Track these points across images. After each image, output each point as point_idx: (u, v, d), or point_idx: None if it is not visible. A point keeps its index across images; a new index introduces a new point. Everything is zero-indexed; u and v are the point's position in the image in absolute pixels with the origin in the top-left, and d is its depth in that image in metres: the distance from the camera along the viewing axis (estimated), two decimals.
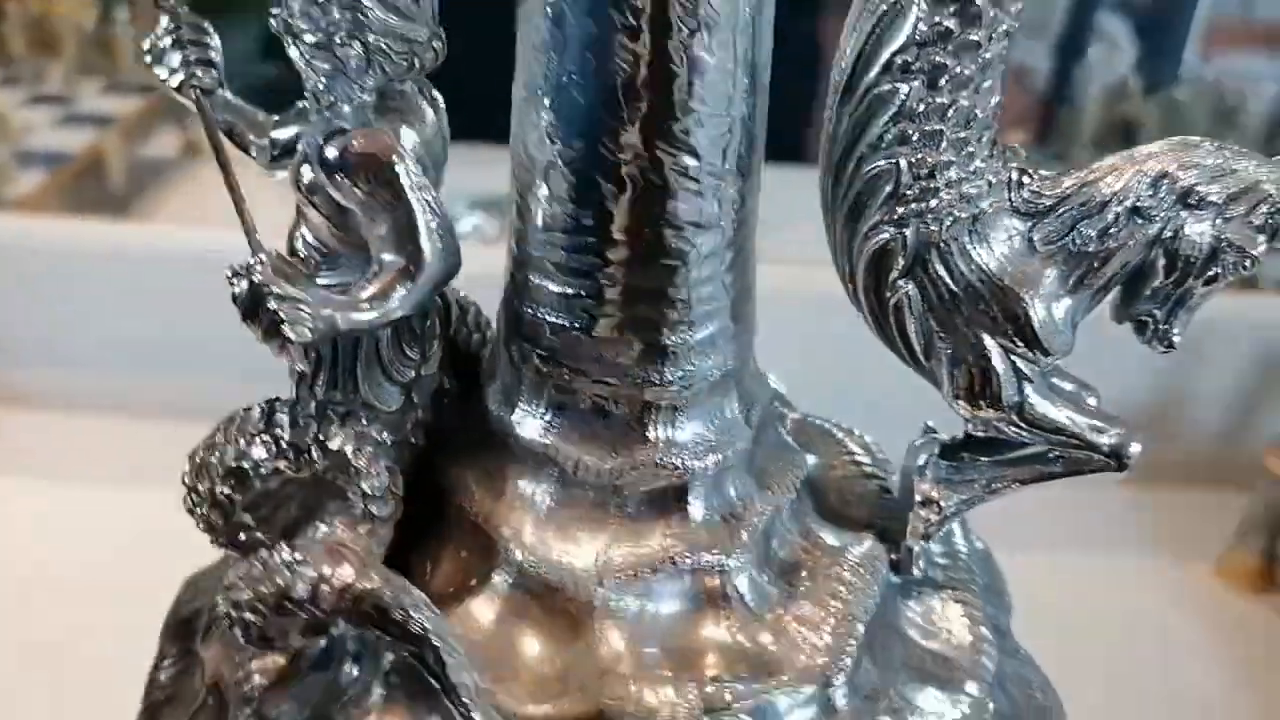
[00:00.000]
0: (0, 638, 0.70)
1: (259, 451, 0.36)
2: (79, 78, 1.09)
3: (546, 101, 0.34)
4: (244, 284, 0.34)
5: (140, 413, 0.88)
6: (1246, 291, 0.94)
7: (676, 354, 0.36)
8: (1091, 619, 0.80)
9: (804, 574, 0.39)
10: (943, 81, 0.32)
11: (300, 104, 0.38)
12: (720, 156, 0.34)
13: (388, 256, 0.35)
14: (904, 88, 0.32)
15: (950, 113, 0.32)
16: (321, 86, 0.35)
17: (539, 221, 0.36)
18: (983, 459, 0.39)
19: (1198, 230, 0.33)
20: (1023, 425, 0.36)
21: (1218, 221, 0.33)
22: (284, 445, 0.36)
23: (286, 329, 0.33)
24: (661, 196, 0.34)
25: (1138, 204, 0.33)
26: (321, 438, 0.36)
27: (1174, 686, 0.75)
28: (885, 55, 0.32)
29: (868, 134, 0.33)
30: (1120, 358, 0.88)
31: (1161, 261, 0.34)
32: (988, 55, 0.32)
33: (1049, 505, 0.89)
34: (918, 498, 0.39)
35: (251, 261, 0.34)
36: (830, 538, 0.41)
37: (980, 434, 0.38)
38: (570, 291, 0.36)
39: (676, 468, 0.37)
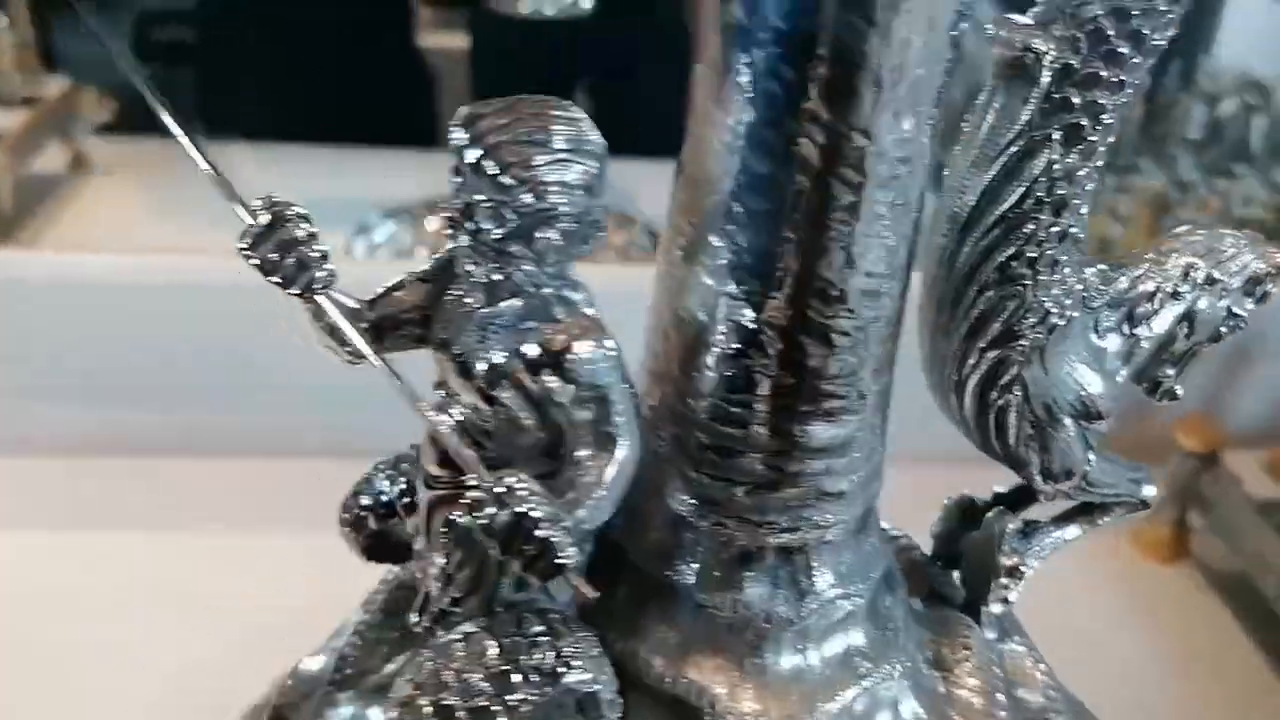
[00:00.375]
0: None
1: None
2: None
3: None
4: (505, 515, 0.32)
5: (38, 449, 0.85)
6: None
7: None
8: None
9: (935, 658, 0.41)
10: (1065, 212, 0.36)
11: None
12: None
13: (585, 451, 0.34)
14: (1035, 219, 0.36)
15: (1064, 236, 0.37)
16: (496, 277, 0.34)
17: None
18: (1044, 521, 0.44)
19: (1215, 304, 0.40)
20: (1088, 488, 0.42)
21: (1226, 295, 0.40)
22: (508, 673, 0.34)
23: (562, 557, 0.31)
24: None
25: (1176, 290, 0.40)
26: (551, 664, 0.34)
27: (1094, 654, 0.77)
28: (1019, 192, 0.36)
29: (993, 260, 0.37)
30: None
31: (1184, 331, 0.41)
32: (1089, 185, 0.36)
33: (961, 487, 0.92)
34: (1005, 565, 0.42)
35: (507, 487, 0.32)
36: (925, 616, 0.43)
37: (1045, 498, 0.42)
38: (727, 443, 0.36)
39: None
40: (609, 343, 0.34)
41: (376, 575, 0.48)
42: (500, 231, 0.33)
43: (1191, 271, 0.39)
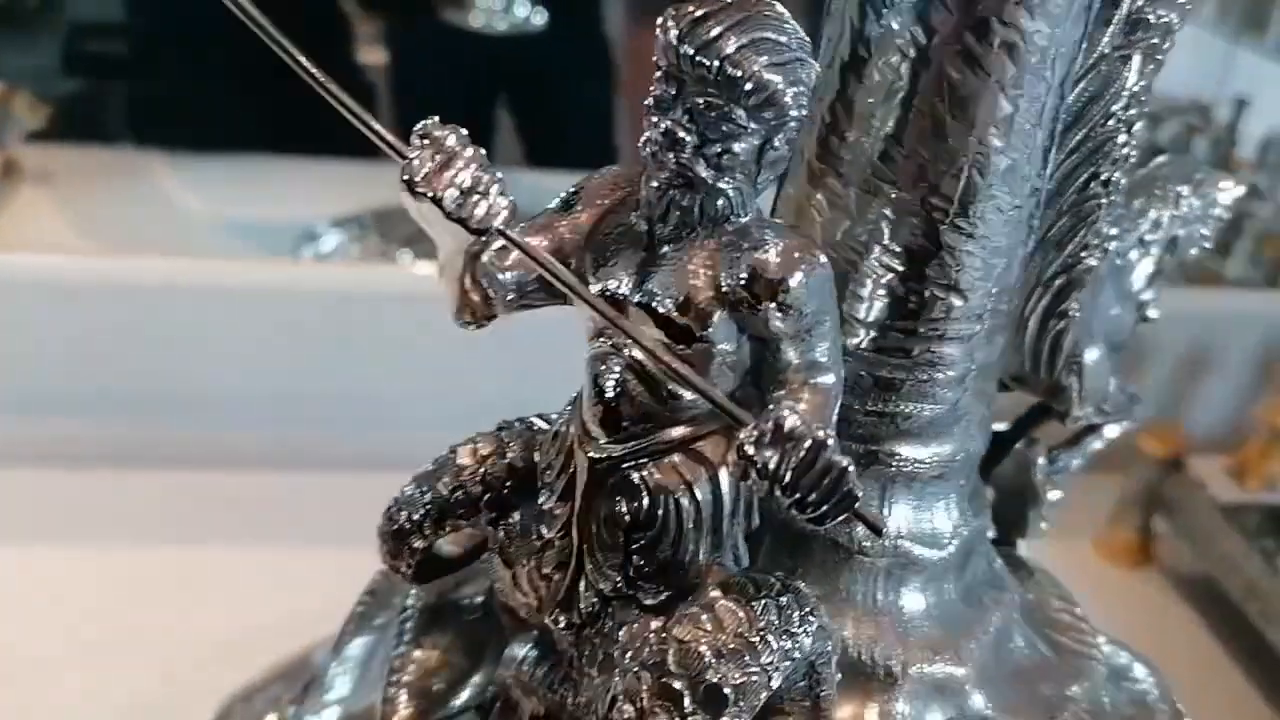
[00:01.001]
0: None
1: None
2: None
3: None
4: (816, 451, 0.28)
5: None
6: None
7: None
8: None
9: None
10: (1134, 132, 0.38)
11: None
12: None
13: (796, 382, 0.31)
14: (1113, 139, 0.38)
15: (1128, 159, 0.39)
16: (711, 199, 0.31)
17: None
18: (1060, 447, 0.45)
19: (1192, 229, 0.44)
20: (1109, 410, 0.42)
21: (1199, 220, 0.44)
22: None
23: (856, 489, 0.29)
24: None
25: (1174, 216, 0.43)
26: (798, 629, 0.31)
27: None
28: (1101, 113, 0.37)
29: (1074, 181, 0.38)
30: None
31: (1167, 255, 0.44)
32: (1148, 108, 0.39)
33: None
34: (1049, 497, 0.44)
35: (803, 420, 0.29)
36: None
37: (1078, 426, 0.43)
38: None
39: None
40: (823, 259, 0.31)
41: (346, 590, 0.46)
42: (737, 146, 0.30)
43: (1181, 200, 0.42)
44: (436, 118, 0.30)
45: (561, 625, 0.33)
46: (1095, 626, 0.43)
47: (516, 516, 0.35)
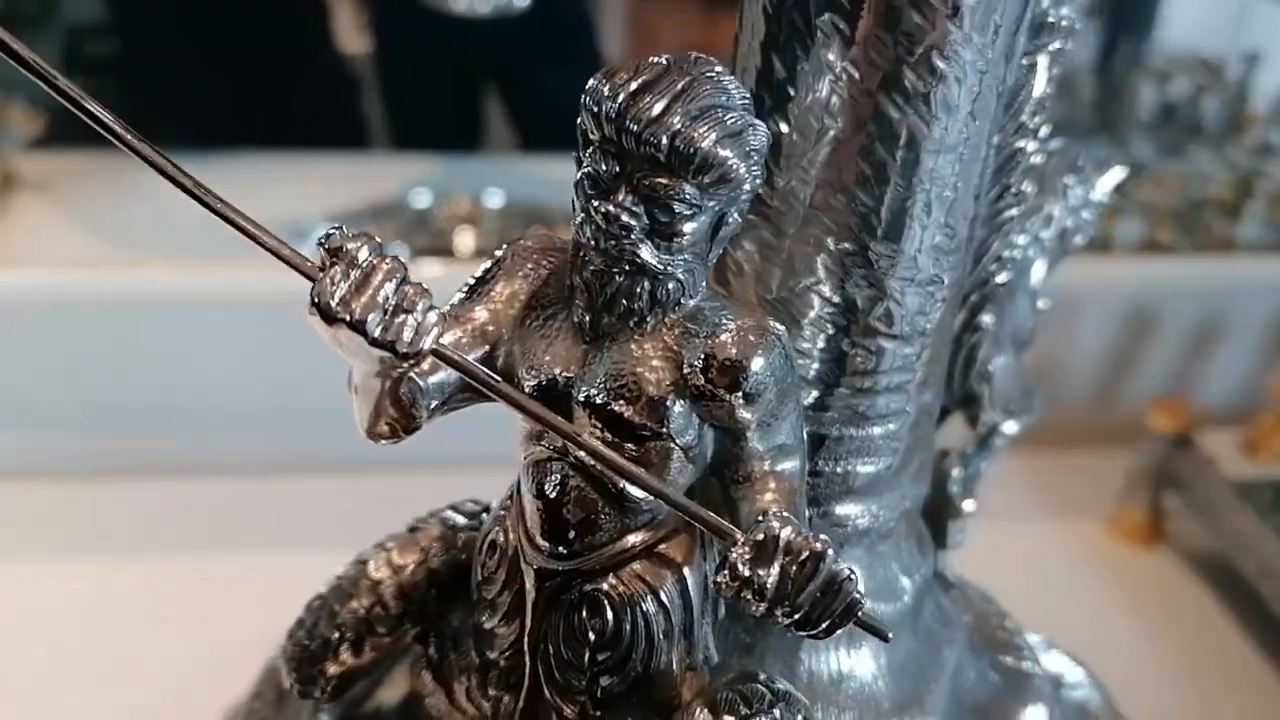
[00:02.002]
0: None
1: None
2: None
3: None
4: (819, 563, 0.27)
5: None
6: (1103, 256, 0.97)
7: None
8: (989, 584, 0.81)
9: None
10: (1038, 140, 0.38)
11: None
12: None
13: (763, 467, 0.30)
14: (1020, 150, 0.38)
15: (1032, 168, 0.38)
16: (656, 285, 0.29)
17: None
18: (969, 453, 0.44)
19: (1079, 217, 0.43)
20: (1017, 411, 0.43)
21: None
22: None
23: (858, 596, 0.27)
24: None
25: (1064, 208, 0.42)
26: None
27: (1076, 641, 0.76)
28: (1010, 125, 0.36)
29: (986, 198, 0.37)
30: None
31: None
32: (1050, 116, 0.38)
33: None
34: (966, 508, 0.42)
35: (825, 550, 0.27)
36: None
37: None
38: None
39: None
40: (780, 331, 0.29)
41: None
42: (689, 226, 0.28)
43: (1068, 191, 0.41)
44: (342, 226, 0.27)
45: None
46: (1022, 628, 0.43)
47: (450, 627, 0.33)
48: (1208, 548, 0.83)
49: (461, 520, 0.34)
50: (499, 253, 0.31)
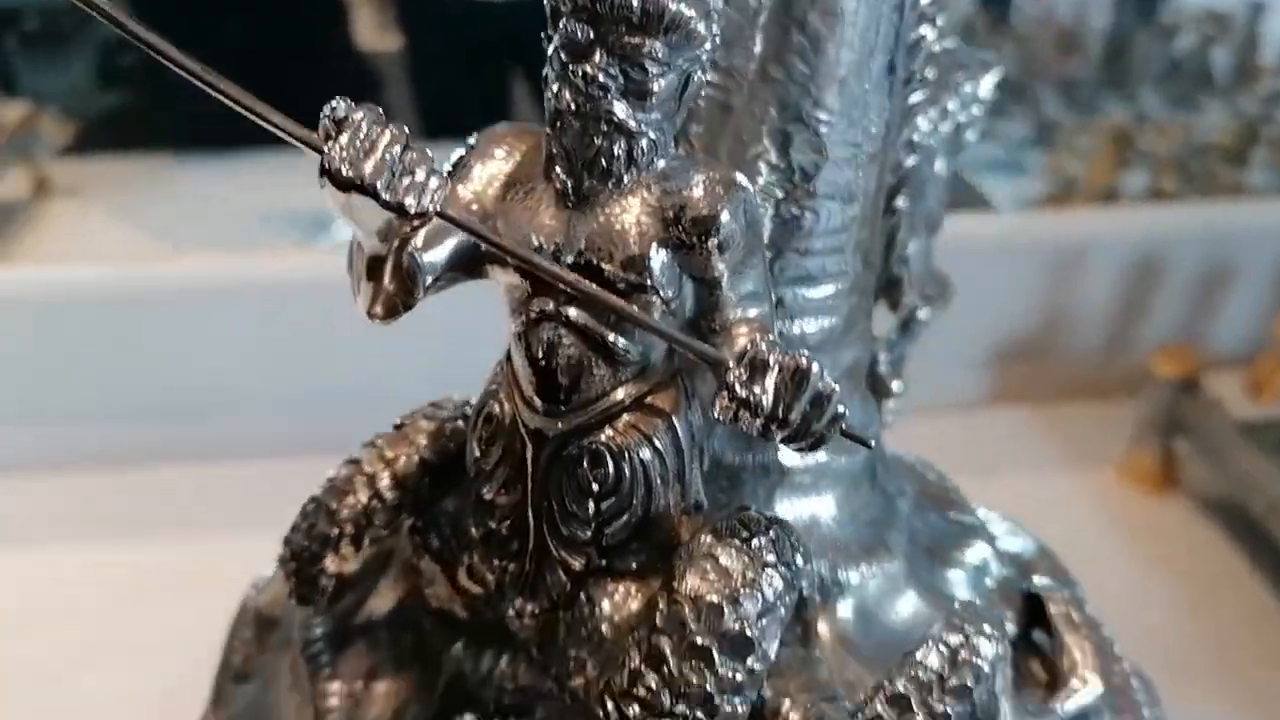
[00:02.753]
0: None
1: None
2: None
3: None
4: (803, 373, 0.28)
5: (25, 465, 0.85)
6: (1110, 205, 0.97)
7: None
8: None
9: None
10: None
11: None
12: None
13: (735, 315, 0.31)
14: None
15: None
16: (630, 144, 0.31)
17: None
18: (892, 339, 0.45)
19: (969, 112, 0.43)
20: (934, 295, 0.44)
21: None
22: None
23: (843, 407, 0.28)
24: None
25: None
26: (790, 558, 0.31)
27: (1091, 589, 0.77)
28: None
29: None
30: (998, 284, 0.91)
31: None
32: None
33: (945, 434, 0.92)
34: (896, 389, 0.43)
35: (811, 366, 0.28)
36: None
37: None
38: None
39: None
40: (745, 184, 0.31)
41: None
42: (659, 84, 0.29)
43: (960, 88, 0.42)
44: (345, 100, 0.28)
45: (528, 612, 0.32)
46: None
47: (445, 513, 0.34)
48: (1219, 491, 0.83)
49: (445, 413, 0.35)
50: (471, 141, 0.33)
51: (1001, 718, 0.29)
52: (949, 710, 0.26)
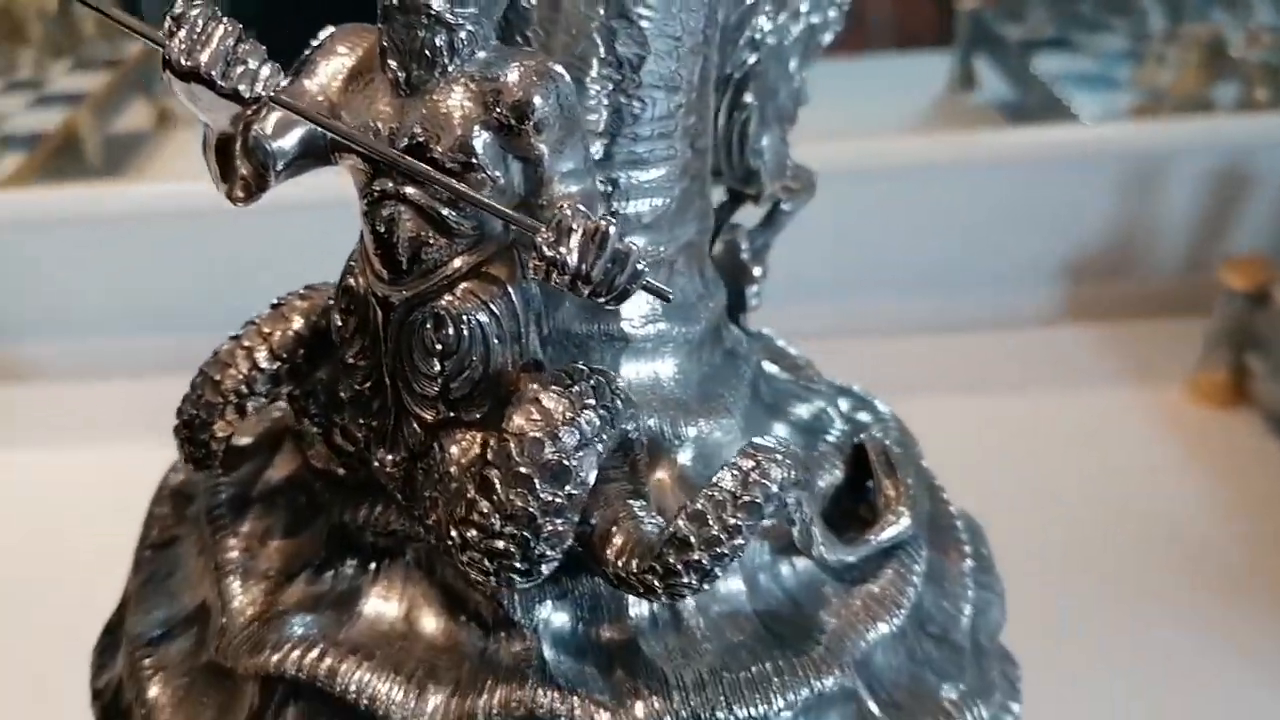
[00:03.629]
0: (12, 614, 0.71)
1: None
2: (48, 60, 1.12)
3: None
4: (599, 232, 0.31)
5: (143, 372, 0.92)
6: (1196, 115, 0.95)
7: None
8: (1073, 448, 0.82)
9: None
10: None
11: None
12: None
13: (559, 190, 0.34)
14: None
15: None
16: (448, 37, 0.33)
17: None
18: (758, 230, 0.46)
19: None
20: (794, 189, 0.45)
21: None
22: None
23: (642, 264, 0.31)
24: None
25: None
26: (612, 402, 0.34)
27: (1159, 503, 0.76)
28: None
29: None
30: (1075, 199, 0.90)
31: None
32: None
33: (1017, 349, 0.92)
34: (756, 273, 0.44)
35: (609, 228, 0.31)
36: None
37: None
38: None
39: None
40: (561, 72, 0.33)
41: None
42: None
43: None
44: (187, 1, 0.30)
45: (390, 462, 0.35)
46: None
47: (320, 381, 0.37)
48: None
49: (318, 294, 0.38)
50: (316, 41, 0.35)
51: (815, 546, 0.31)
52: (740, 523, 0.29)
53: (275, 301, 0.37)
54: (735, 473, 0.30)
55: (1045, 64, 1.12)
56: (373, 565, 0.32)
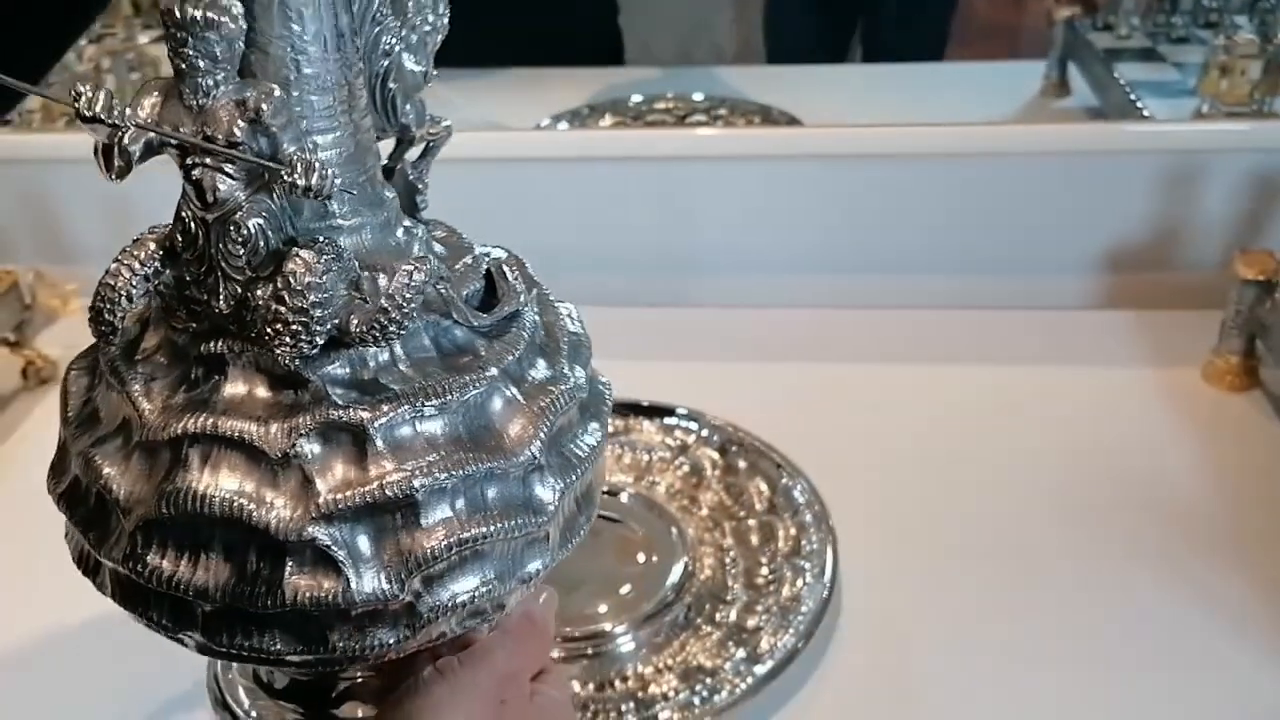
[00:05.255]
0: None
1: None
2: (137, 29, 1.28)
3: None
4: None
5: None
6: (1244, 118, 1.00)
7: None
8: (1092, 423, 0.89)
9: None
10: None
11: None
12: None
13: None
14: None
15: None
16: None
17: None
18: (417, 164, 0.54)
19: None
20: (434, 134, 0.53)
21: None
22: None
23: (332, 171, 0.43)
24: None
25: None
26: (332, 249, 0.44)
27: (1169, 477, 0.83)
28: None
29: None
30: (1120, 193, 0.97)
31: None
32: None
33: (1046, 330, 0.99)
34: (421, 187, 0.53)
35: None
36: None
37: None
38: None
39: None
40: (274, 89, 0.43)
41: None
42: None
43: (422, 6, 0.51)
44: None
45: (222, 309, 0.46)
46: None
47: (172, 275, 0.48)
48: None
49: (158, 229, 0.51)
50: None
51: (462, 315, 0.44)
52: (410, 297, 0.43)
53: (135, 237, 0.50)
54: (406, 269, 0.43)
55: (1131, 72, 1.17)
56: (223, 373, 0.45)
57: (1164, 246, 1.00)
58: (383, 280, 0.44)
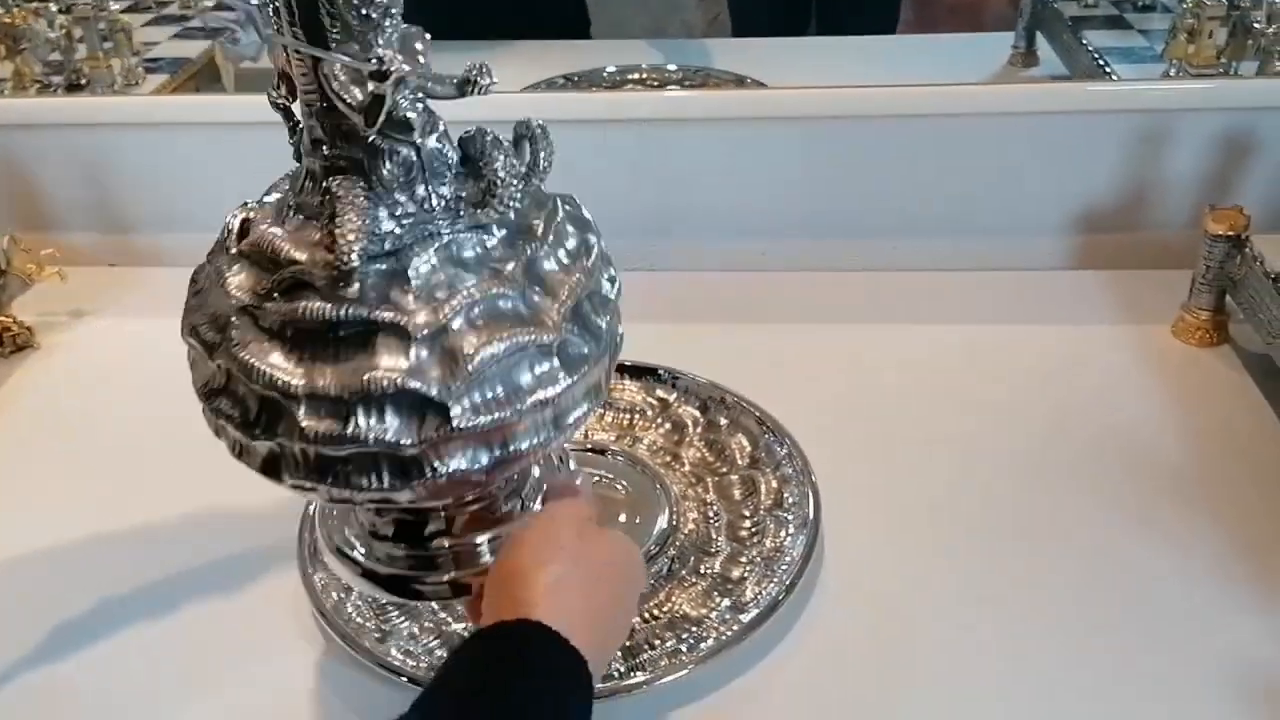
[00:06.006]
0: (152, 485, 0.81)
1: None
2: None
3: None
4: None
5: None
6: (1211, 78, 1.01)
7: None
8: (1066, 380, 0.90)
9: None
10: None
11: None
12: None
13: None
14: None
15: None
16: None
17: None
18: None
19: None
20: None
21: None
22: None
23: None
24: None
25: None
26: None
27: (1141, 431, 0.84)
28: None
29: None
30: (1091, 154, 0.98)
31: None
32: None
33: (1024, 285, 1.00)
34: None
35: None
36: None
37: None
38: None
39: None
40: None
41: None
42: None
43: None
44: None
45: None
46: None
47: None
48: (1261, 346, 0.87)
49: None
50: None
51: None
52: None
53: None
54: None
55: (1099, 39, 1.18)
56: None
57: (1134, 207, 1.01)
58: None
